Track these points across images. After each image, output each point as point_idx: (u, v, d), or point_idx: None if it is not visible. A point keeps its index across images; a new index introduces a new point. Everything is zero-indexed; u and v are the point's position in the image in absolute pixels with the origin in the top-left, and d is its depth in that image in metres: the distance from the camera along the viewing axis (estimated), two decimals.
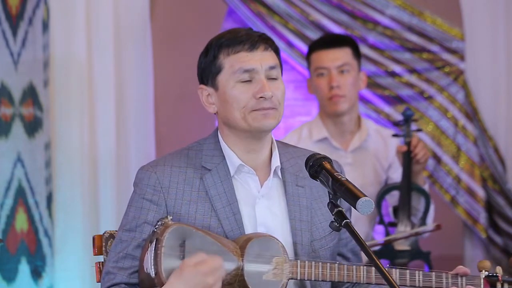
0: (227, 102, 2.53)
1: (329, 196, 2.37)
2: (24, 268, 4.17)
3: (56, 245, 4.23)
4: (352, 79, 4.05)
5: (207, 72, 2.57)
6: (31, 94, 4.20)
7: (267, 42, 2.56)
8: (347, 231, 2.31)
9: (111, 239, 2.62)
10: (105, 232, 2.64)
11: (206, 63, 2.58)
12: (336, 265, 2.47)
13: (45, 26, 4.23)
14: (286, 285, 2.42)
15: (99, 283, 2.61)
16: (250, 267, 2.40)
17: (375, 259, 2.23)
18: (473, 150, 4.92)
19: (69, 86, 4.30)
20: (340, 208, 2.33)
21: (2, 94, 4.16)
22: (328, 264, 2.47)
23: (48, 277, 4.19)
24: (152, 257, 2.34)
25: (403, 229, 3.98)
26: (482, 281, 2.58)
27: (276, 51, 2.58)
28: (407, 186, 4.00)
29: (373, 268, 2.49)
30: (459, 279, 2.55)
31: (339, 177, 2.35)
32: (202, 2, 4.71)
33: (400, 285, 2.50)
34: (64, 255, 4.24)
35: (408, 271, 2.52)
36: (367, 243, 2.40)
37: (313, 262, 2.46)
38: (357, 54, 4.10)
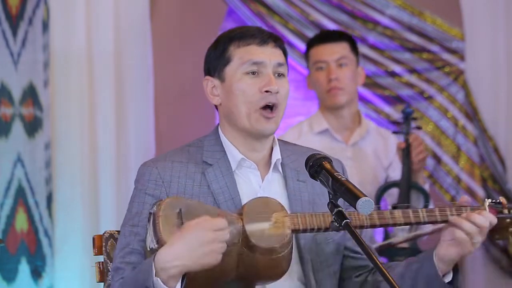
0: (233, 93, 2.54)
1: (329, 196, 2.37)
2: (24, 268, 4.17)
3: (56, 245, 4.23)
4: (350, 73, 4.10)
5: (215, 63, 2.58)
6: (31, 94, 4.20)
7: (276, 41, 2.59)
8: (347, 231, 2.30)
9: (111, 239, 2.62)
10: (105, 232, 2.64)
11: (214, 54, 2.59)
12: None
13: (45, 26, 4.23)
14: (291, 236, 2.41)
15: (99, 283, 2.61)
16: (251, 226, 2.39)
17: (375, 258, 2.23)
18: (473, 150, 4.92)
19: (69, 86, 4.30)
20: (340, 208, 2.33)
21: (2, 94, 4.17)
22: (329, 213, 2.45)
23: (48, 277, 4.19)
24: (152, 230, 2.34)
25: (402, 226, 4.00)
26: (487, 209, 2.53)
27: (284, 51, 2.61)
28: (407, 183, 4.02)
29: (375, 212, 2.47)
30: (464, 209, 2.51)
31: (339, 177, 2.35)
32: (202, 2, 4.71)
33: (405, 223, 2.49)
34: (64, 255, 4.24)
35: (411, 210, 2.50)
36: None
37: (314, 213, 2.45)
38: (355, 49, 4.16)
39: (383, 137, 4.24)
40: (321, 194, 2.60)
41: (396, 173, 4.14)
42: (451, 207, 2.52)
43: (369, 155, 4.18)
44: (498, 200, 2.57)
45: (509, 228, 2.57)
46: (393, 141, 4.21)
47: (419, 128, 4.20)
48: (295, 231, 2.43)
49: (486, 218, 2.46)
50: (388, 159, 4.20)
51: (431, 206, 4.09)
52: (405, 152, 4.03)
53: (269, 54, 2.55)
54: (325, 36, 4.18)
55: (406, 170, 4.02)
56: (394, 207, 4.04)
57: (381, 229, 4.23)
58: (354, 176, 4.10)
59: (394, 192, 4.10)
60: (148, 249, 2.37)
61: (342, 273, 2.64)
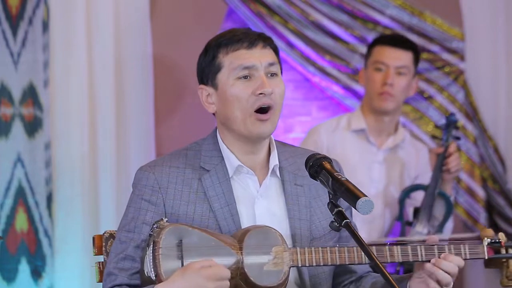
0: (227, 100, 2.54)
1: (329, 196, 2.37)
2: (24, 268, 4.17)
3: (56, 245, 4.23)
4: (406, 83, 4.12)
5: (207, 71, 2.58)
6: (31, 94, 4.20)
7: (266, 41, 2.57)
8: (347, 231, 2.30)
9: (111, 239, 2.61)
10: (105, 232, 2.64)
11: (205, 63, 2.59)
12: (336, 248, 2.47)
13: (45, 26, 4.23)
14: (288, 273, 2.42)
15: (99, 283, 2.61)
16: (250, 260, 2.39)
17: (375, 258, 2.23)
18: (473, 150, 4.92)
19: (69, 86, 4.30)
20: (340, 208, 2.33)
21: (2, 94, 4.17)
22: (328, 248, 2.46)
23: (48, 277, 4.19)
24: (151, 260, 2.35)
25: (421, 229, 4.01)
26: (485, 248, 2.57)
27: (275, 50, 2.59)
28: (434, 188, 4.04)
29: (374, 248, 2.48)
30: (462, 248, 2.54)
31: (339, 177, 2.35)
32: (202, 2, 4.71)
33: (403, 261, 2.49)
34: (64, 255, 4.23)
35: (409, 246, 2.51)
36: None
37: (313, 248, 2.45)
38: (417, 61, 4.19)
39: (416, 149, 4.28)
40: (317, 197, 2.61)
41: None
42: (450, 245, 2.53)
43: (399, 163, 4.21)
44: (497, 239, 2.57)
45: (504, 263, 2.60)
46: (425, 154, 4.24)
47: (457, 138, 4.21)
48: (293, 267, 2.45)
49: (455, 264, 2.47)
50: (417, 170, 4.23)
51: (450, 220, 4.12)
52: (440, 158, 4.06)
53: (258, 56, 2.53)
54: (395, 40, 4.19)
55: (437, 176, 4.05)
56: (416, 210, 4.08)
57: (398, 226, 4.23)
58: (381, 179, 4.13)
59: (418, 197, 4.12)
60: (146, 275, 2.38)
61: (333, 278, 2.65)
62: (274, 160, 2.59)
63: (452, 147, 4.09)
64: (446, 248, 2.51)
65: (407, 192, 4.13)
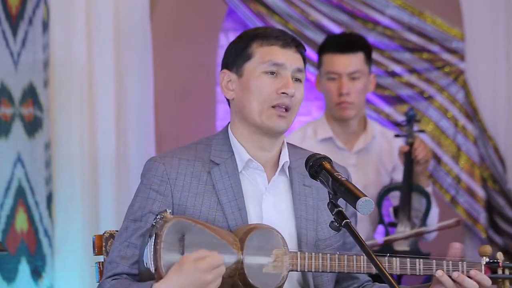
0: (248, 90, 2.55)
1: (329, 196, 2.37)
2: (24, 268, 4.17)
3: (56, 245, 4.24)
4: (362, 86, 4.02)
5: (235, 58, 2.59)
6: (31, 94, 4.20)
7: (299, 46, 2.60)
8: (347, 231, 2.31)
9: (111, 239, 2.61)
10: (105, 232, 2.64)
11: (236, 49, 2.60)
12: (336, 255, 2.48)
13: (45, 26, 4.23)
14: (286, 277, 2.42)
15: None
16: (250, 260, 2.39)
17: (375, 258, 2.23)
18: (473, 150, 4.92)
19: (69, 86, 4.30)
20: (340, 208, 2.33)
21: (2, 94, 4.17)
22: (328, 255, 2.47)
23: (48, 277, 4.19)
24: (152, 252, 2.34)
25: (403, 229, 3.97)
26: (483, 267, 2.58)
27: (304, 59, 2.62)
28: (408, 187, 3.99)
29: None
30: (460, 265, 2.55)
31: (339, 177, 2.35)
32: (202, 2, 4.71)
33: (401, 274, 2.51)
34: (64, 255, 4.24)
35: (408, 259, 2.53)
36: (367, 242, 2.41)
37: (313, 254, 2.46)
38: (369, 58, 4.07)
39: (387, 140, 4.19)
40: (325, 199, 2.60)
41: (401, 176, 4.11)
42: (448, 260, 2.56)
43: (373, 161, 4.15)
44: (496, 259, 2.60)
45: (500, 281, 2.63)
46: (398, 144, 4.18)
47: (422, 131, 4.17)
48: (292, 271, 2.45)
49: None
50: (393, 162, 4.17)
51: (434, 207, 4.08)
52: (407, 156, 4.00)
53: (290, 58, 2.56)
54: (341, 44, 4.04)
55: (408, 174, 4.00)
56: (396, 210, 4.05)
57: (381, 229, 4.22)
58: (357, 181, 4.06)
59: (397, 194, 4.09)
60: (146, 266, 2.38)
61: (336, 283, 2.66)
62: (285, 157, 2.60)
63: (417, 142, 4.04)
64: (445, 264, 2.53)
65: (382, 195, 4.08)
